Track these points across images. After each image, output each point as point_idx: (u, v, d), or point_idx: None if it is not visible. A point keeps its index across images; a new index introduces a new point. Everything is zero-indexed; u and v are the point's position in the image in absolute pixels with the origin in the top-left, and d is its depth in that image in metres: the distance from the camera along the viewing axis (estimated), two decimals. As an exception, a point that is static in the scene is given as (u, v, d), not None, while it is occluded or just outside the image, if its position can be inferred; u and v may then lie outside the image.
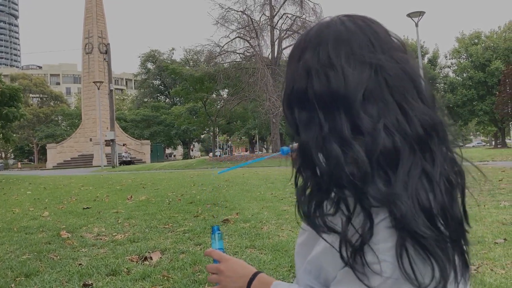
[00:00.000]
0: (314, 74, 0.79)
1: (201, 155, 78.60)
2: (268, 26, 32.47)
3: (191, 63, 59.14)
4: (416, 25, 22.06)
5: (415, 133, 0.74)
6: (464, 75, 48.64)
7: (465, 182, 0.80)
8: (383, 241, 0.72)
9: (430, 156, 0.75)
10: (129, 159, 39.68)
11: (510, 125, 38.59)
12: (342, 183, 0.75)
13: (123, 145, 43.02)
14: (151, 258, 4.37)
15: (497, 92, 40.78)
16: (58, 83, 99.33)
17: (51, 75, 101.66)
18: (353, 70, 0.77)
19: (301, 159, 0.82)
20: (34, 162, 68.82)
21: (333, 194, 0.78)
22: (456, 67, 50.94)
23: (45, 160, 54.13)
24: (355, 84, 0.76)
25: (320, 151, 0.77)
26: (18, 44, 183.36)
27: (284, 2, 31.93)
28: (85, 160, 45.71)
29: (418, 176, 0.72)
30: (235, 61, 33.53)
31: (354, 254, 0.74)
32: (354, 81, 0.76)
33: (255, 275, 0.99)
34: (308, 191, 0.82)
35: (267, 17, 32.71)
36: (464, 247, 0.77)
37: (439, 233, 0.71)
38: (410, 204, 0.70)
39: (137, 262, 4.28)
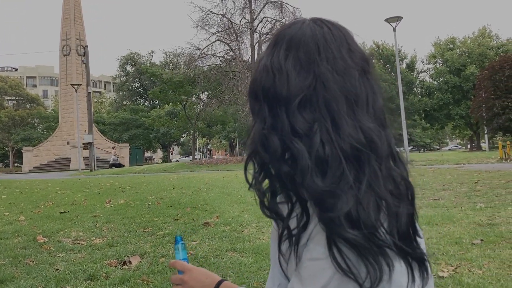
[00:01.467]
0: (266, 71, 0.82)
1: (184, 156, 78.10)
2: (248, 30, 32.50)
3: (171, 66, 58.80)
4: (394, 30, 22.41)
5: (345, 148, 0.74)
6: (440, 79, 49.58)
7: (410, 195, 0.80)
8: (317, 243, 0.74)
9: (362, 170, 0.74)
10: (118, 162, 39.94)
11: (485, 129, 39.43)
12: (280, 175, 0.77)
13: (113, 148, 43.28)
14: (130, 262, 4.30)
15: (472, 97, 41.64)
16: (34, 86, 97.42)
17: (27, 77, 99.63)
18: (297, 75, 0.79)
19: (252, 145, 0.84)
20: (9, 166, 67.27)
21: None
22: (432, 72, 51.88)
23: (21, 164, 52.97)
24: (296, 89, 0.78)
25: (263, 142, 0.80)
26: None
27: (264, 6, 32.02)
28: (62, 164, 44.88)
29: (348, 187, 0.72)
30: (215, 64, 33.44)
31: (290, 248, 0.77)
32: (296, 86, 0.78)
33: (219, 283, 0.99)
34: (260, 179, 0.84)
35: (247, 21, 32.75)
36: (423, 255, 0.78)
37: (371, 239, 0.71)
38: (338, 208, 0.71)
39: (116, 266, 4.21)
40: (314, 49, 0.80)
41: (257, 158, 0.83)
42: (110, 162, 39.16)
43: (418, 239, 0.80)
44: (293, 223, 0.78)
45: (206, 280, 1.00)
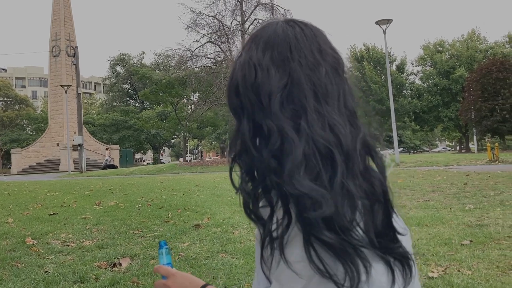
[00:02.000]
0: (248, 66, 0.83)
1: (171, 160, 77.83)
2: (239, 32, 32.51)
3: (162, 67, 58.63)
4: (384, 32, 22.55)
5: (317, 145, 0.75)
6: (430, 82, 49.96)
7: (385, 194, 0.79)
8: (295, 245, 0.74)
9: (334, 169, 0.74)
10: (112, 163, 40.31)
11: (473, 131, 39.82)
12: (266, 173, 0.78)
13: (107, 149, 43.50)
14: (120, 264, 4.28)
15: (461, 99, 42.05)
16: (23, 86, 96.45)
17: (16, 78, 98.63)
18: (275, 72, 0.80)
19: (236, 146, 0.84)
20: (-3, 167, 66.56)
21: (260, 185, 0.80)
22: (422, 74, 52.27)
23: (10, 165, 52.41)
24: (276, 85, 0.79)
25: (247, 141, 0.80)
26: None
27: (255, 8, 32.05)
28: (51, 165, 44.49)
29: (323, 186, 0.73)
30: (206, 66, 33.41)
31: (272, 252, 0.77)
32: (276, 82, 0.79)
33: None
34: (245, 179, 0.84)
35: (238, 22, 32.75)
36: (406, 254, 0.78)
37: (346, 240, 0.71)
38: (320, 209, 0.71)
39: (105, 268, 4.18)
40: (286, 48, 0.82)
41: (243, 157, 0.83)
42: (104, 164, 39.63)
43: (402, 237, 0.80)
44: (274, 227, 0.78)
45: (189, 285, 0.99)
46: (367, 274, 0.72)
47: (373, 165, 0.81)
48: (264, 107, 0.79)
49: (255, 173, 0.82)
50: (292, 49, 0.82)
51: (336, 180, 0.73)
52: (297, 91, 0.79)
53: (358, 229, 0.73)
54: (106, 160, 40.15)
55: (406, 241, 0.82)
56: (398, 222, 0.82)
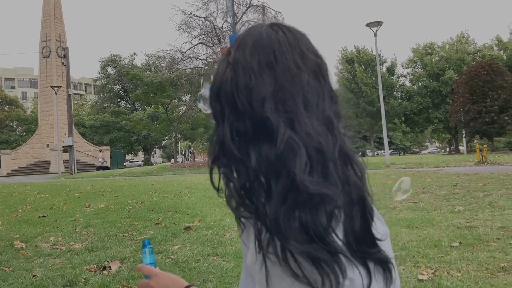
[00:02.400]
0: (238, 69, 0.82)
1: (162, 162, 77.53)
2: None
3: (153, 69, 58.39)
4: (375, 34, 22.67)
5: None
6: (420, 84, 50.29)
7: (363, 203, 0.79)
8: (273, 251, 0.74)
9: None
10: (105, 164, 40.65)
11: (463, 132, 40.16)
12: (247, 175, 0.78)
13: (100, 151, 43.73)
14: (110, 267, 4.25)
15: (450, 101, 42.36)
16: (13, 87, 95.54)
17: (6, 78, 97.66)
18: (261, 77, 0.80)
19: (218, 150, 0.83)
20: (-14, 169, 65.79)
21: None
22: (412, 76, 52.61)
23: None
24: (265, 90, 0.79)
25: (231, 145, 0.79)
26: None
27: (246, 10, 32.07)
28: (41, 167, 44.10)
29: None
30: (197, 67, 33.36)
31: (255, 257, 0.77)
32: (264, 87, 0.79)
33: None
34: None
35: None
36: (386, 258, 0.78)
37: (323, 247, 0.71)
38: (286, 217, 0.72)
39: (95, 272, 4.15)
40: (270, 53, 0.82)
41: (224, 162, 0.82)
42: (97, 165, 40.21)
43: (381, 242, 0.80)
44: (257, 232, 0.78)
45: (172, 286, 0.99)
46: (346, 279, 0.72)
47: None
48: (256, 111, 0.78)
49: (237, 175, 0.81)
50: (276, 54, 0.81)
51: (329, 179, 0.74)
52: (282, 97, 0.79)
53: (334, 235, 0.73)
54: (99, 161, 40.41)
55: (386, 245, 0.82)
56: (378, 227, 0.82)
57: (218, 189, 0.86)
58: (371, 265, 0.76)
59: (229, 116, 0.81)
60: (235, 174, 0.82)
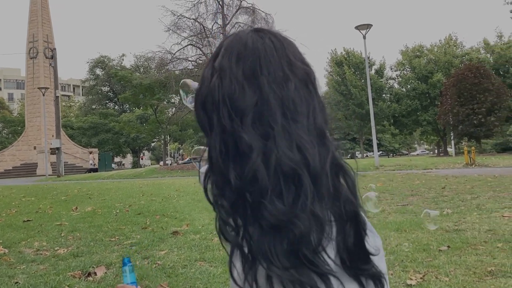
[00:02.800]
0: (222, 78, 0.78)
1: (151, 164, 77.11)
2: (221, 35, 32.42)
3: (142, 70, 58.11)
4: (364, 37, 22.78)
5: (283, 167, 0.71)
6: (408, 86, 50.68)
7: (355, 213, 0.76)
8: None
9: (298, 193, 0.71)
10: (96, 167, 40.76)
11: (451, 135, 40.52)
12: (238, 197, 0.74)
13: (90, 153, 43.48)
14: (95, 273, 4.17)
15: (439, 103, 42.70)
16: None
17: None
18: (248, 89, 0.76)
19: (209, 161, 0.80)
20: (-29, 171, 64.88)
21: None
22: (400, 79, 53.00)
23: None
24: (250, 101, 0.75)
25: (219, 160, 0.76)
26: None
27: (236, 11, 32.05)
28: (28, 169, 43.57)
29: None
30: (187, 68, 33.24)
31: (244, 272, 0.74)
32: (249, 97, 0.75)
33: None
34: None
35: (219, 26, 32.69)
36: (379, 273, 0.77)
37: (312, 269, 0.69)
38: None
39: (80, 278, 4.07)
40: (255, 61, 0.78)
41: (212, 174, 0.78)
42: (88, 167, 40.36)
43: (374, 257, 0.77)
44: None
45: None
46: None
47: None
48: (234, 127, 0.74)
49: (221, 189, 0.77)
50: (261, 63, 0.77)
51: (300, 203, 0.70)
52: (266, 109, 0.74)
53: (325, 255, 0.71)
54: (90, 163, 40.42)
55: (380, 259, 0.80)
56: (371, 242, 0.79)
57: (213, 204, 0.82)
58: (363, 279, 0.75)
59: (217, 127, 0.77)
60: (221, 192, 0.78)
